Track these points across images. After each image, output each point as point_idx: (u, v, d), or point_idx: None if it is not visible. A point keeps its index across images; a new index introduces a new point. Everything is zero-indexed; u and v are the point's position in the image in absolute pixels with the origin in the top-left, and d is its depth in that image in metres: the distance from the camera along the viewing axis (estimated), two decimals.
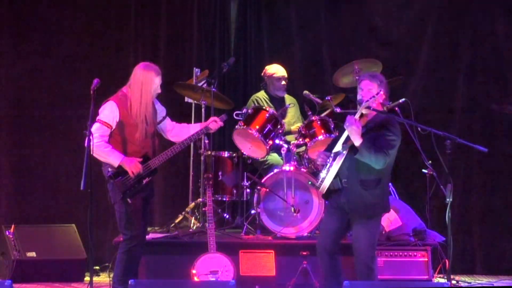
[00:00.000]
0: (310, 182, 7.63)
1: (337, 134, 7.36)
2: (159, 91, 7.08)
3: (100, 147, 6.86)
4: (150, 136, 7.04)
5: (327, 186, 6.59)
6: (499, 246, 9.05)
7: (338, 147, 6.55)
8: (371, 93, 6.57)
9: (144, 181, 6.98)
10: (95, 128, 6.89)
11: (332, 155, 6.56)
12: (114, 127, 6.95)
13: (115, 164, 6.90)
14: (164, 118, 7.22)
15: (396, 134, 6.56)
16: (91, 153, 6.76)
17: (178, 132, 7.28)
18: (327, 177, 6.57)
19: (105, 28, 9.29)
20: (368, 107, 6.51)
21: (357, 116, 6.46)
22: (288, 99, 8.90)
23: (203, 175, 8.32)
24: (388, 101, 8.38)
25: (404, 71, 9.12)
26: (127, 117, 6.95)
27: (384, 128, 6.54)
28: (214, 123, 7.29)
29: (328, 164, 6.55)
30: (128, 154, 6.93)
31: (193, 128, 7.34)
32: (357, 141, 6.42)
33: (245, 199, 8.55)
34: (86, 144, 6.68)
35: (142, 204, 7.02)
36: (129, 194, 6.91)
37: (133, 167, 6.90)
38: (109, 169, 6.94)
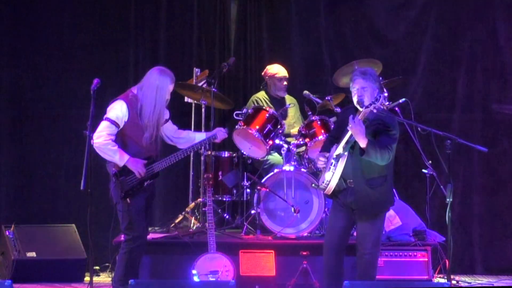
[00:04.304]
0: (313, 184, 7.63)
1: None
2: (169, 97, 7.04)
3: (107, 145, 6.84)
4: (156, 140, 7.03)
5: (333, 188, 6.60)
6: (499, 246, 9.05)
7: (339, 149, 6.54)
8: (366, 92, 6.56)
9: (146, 183, 6.98)
10: (103, 126, 6.85)
11: (334, 157, 6.55)
12: (121, 126, 6.91)
13: (121, 163, 6.88)
14: (166, 121, 7.18)
15: (395, 127, 6.57)
16: (96, 150, 6.78)
17: (182, 138, 7.24)
18: (333, 179, 6.56)
19: (105, 28, 9.29)
20: (371, 112, 6.48)
21: (360, 117, 6.44)
22: (289, 99, 8.90)
23: (203, 175, 8.32)
24: (387, 100, 8.45)
25: (404, 71, 9.12)
26: (136, 118, 6.90)
27: (382, 123, 6.53)
28: (221, 132, 7.27)
29: (332, 167, 6.55)
30: (131, 155, 6.91)
31: (199, 136, 7.29)
32: (363, 142, 6.41)
33: (245, 199, 8.55)
34: (86, 144, 6.69)
35: (144, 204, 7.02)
36: (130, 194, 6.90)
37: (139, 168, 6.90)
38: (113, 168, 6.94)
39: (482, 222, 9.11)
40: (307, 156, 8.31)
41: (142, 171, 6.90)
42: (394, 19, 9.36)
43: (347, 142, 6.50)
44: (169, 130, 7.20)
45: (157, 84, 6.92)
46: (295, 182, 8.10)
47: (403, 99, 8.57)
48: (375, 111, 6.42)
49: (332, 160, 6.56)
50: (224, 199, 8.63)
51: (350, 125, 6.40)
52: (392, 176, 6.73)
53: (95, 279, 7.93)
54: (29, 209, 9.17)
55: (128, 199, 6.89)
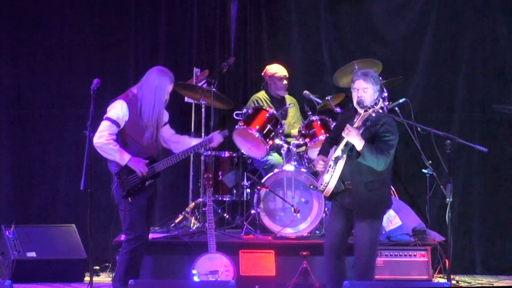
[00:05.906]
0: (311, 186, 7.63)
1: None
2: (168, 97, 7.05)
3: (108, 145, 6.85)
4: (156, 140, 7.02)
5: (331, 190, 6.59)
6: (499, 246, 9.05)
7: (338, 151, 6.54)
8: (366, 93, 6.55)
9: (147, 183, 6.98)
10: (104, 126, 6.86)
11: (333, 159, 6.54)
12: (122, 126, 6.92)
13: (122, 163, 6.89)
14: (165, 124, 7.17)
15: (394, 133, 6.55)
16: (98, 150, 6.80)
17: (178, 142, 7.23)
18: (331, 181, 6.55)
19: (105, 28, 9.29)
20: (370, 116, 6.48)
21: (355, 125, 6.45)
22: (289, 99, 8.90)
23: (203, 175, 8.32)
24: (387, 100, 8.44)
25: (404, 71, 9.12)
26: (136, 118, 6.91)
27: (382, 128, 6.52)
28: (217, 136, 7.26)
29: (331, 169, 6.54)
30: (133, 154, 6.91)
31: (195, 142, 7.27)
32: (359, 146, 6.40)
33: (245, 199, 8.55)
34: (86, 144, 6.69)
35: (146, 204, 7.02)
36: (131, 193, 6.91)
37: (141, 167, 6.90)
38: (115, 167, 6.93)
39: (482, 222, 9.11)
40: (307, 156, 8.31)
41: (144, 170, 6.91)
42: (394, 19, 9.36)
43: (346, 145, 6.49)
44: (166, 133, 7.20)
45: (156, 84, 6.92)
46: (295, 182, 8.10)
47: (403, 99, 8.57)
48: (374, 115, 6.43)
49: (331, 162, 6.55)
50: (224, 199, 8.63)
51: (345, 132, 6.40)
52: (390, 179, 6.73)
53: (95, 279, 7.93)
54: (29, 209, 9.18)
55: (129, 199, 6.90)
